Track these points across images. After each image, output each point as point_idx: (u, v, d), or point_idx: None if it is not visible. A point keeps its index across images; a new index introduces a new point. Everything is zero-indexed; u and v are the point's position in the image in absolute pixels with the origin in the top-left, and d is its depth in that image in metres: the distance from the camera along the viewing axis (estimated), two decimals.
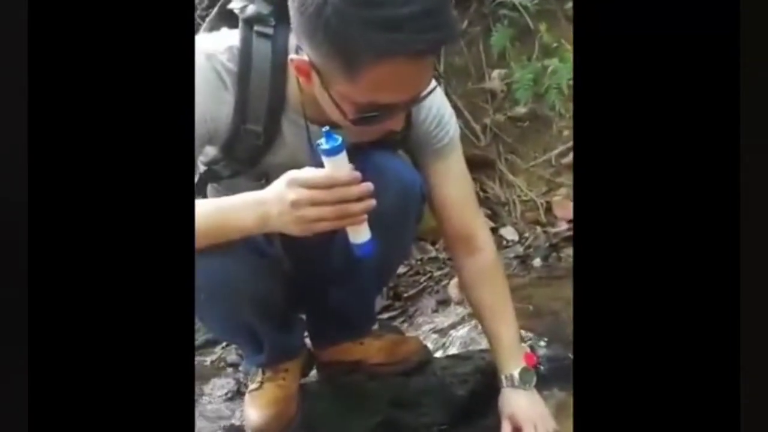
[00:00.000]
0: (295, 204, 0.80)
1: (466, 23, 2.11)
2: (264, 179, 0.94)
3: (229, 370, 1.58)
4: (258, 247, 0.99)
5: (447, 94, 1.98)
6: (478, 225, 1.10)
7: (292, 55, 0.85)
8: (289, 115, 0.94)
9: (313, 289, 1.15)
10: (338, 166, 0.80)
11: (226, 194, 0.90)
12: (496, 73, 2.05)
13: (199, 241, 0.79)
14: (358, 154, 0.83)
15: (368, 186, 0.81)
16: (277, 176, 0.86)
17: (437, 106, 1.01)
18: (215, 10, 0.97)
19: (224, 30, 0.94)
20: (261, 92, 0.90)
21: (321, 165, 0.82)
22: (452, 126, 1.04)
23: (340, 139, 0.79)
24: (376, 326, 1.37)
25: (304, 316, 1.24)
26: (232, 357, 1.62)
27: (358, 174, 0.81)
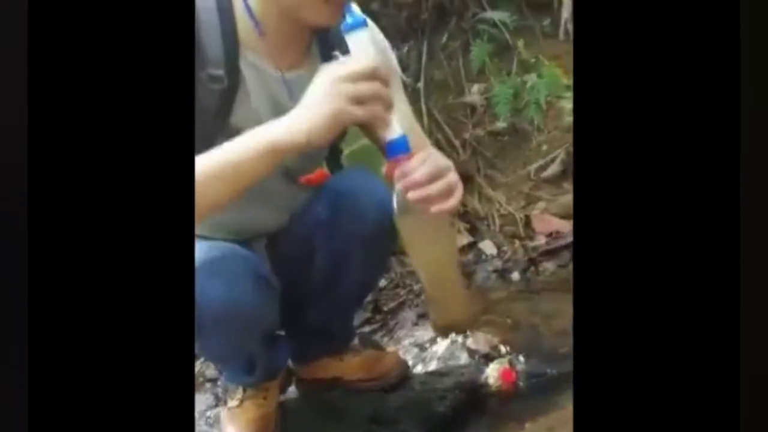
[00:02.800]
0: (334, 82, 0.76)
1: (445, 37, 2.13)
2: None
3: (208, 385, 1.57)
4: (256, 268, 0.99)
5: (427, 108, 2.04)
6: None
7: None
8: (247, 58, 0.94)
9: (294, 306, 1.15)
10: (360, 42, 0.79)
11: None
12: (475, 87, 2.07)
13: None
14: (334, 180, 0.83)
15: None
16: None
17: None
18: None
19: None
20: (214, 37, 0.90)
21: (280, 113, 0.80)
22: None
23: (361, 16, 0.80)
24: (355, 340, 1.37)
25: (282, 332, 1.24)
26: (210, 372, 1.60)
27: (376, 67, 0.78)
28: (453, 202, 0.79)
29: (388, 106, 0.77)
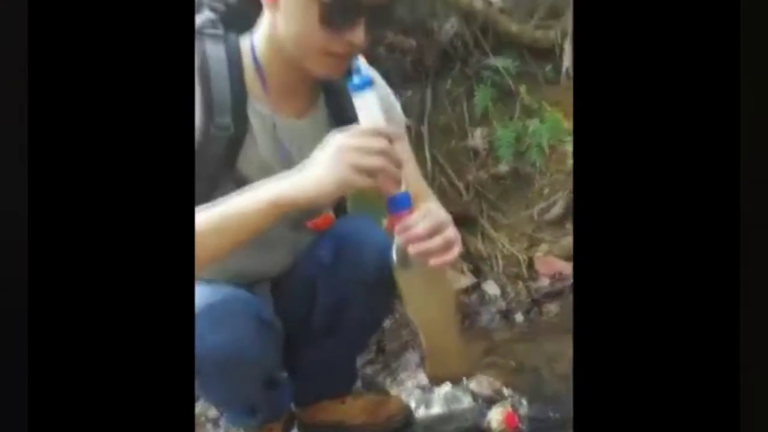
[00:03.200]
0: (341, 149, 0.79)
1: (449, 83, 2.18)
2: (245, 186, 0.92)
3: (209, 426, 1.56)
4: (258, 313, 1.00)
5: (431, 152, 2.07)
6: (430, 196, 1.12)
7: None
8: (254, 106, 0.96)
9: (297, 347, 1.15)
10: (366, 103, 0.82)
11: None
12: (478, 131, 2.10)
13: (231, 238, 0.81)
14: (338, 225, 0.85)
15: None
16: (256, 179, 0.86)
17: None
18: None
19: None
20: (222, 86, 0.93)
21: (293, 169, 0.83)
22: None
23: (368, 75, 0.83)
24: (358, 383, 1.37)
25: (286, 374, 1.24)
26: (212, 412, 1.60)
27: (384, 131, 0.81)
28: (452, 255, 0.82)
29: (396, 177, 0.80)
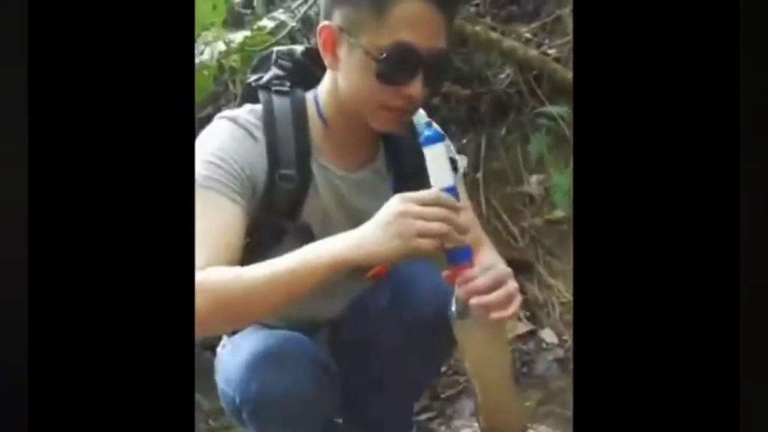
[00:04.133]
0: (403, 214, 0.81)
1: (504, 130, 2.21)
2: (308, 236, 0.96)
3: None
4: (315, 356, 1.00)
5: (486, 198, 2.09)
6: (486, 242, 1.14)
7: (322, 23, 0.92)
8: (317, 159, 1.00)
9: (353, 394, 1.15)
10: (436, 156, 0.85)
11: None
12: (534, 177, 2.11)
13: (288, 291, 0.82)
14: (397, 270, 0.87)
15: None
16: (319, 229, 0.88)
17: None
18: (237, 101, 1.08)
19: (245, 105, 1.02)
20: (287, 138, 0.96)
21: (353, 219, 0.86)
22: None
23: (439, 129, 0.87)
24: (414, 430, 1.36)
25: (342, 420, 1.24)
26: None
27: (445, 200, 0.83)
28: (512, 309, 0.83)
29: (458, 241, 0.82)
